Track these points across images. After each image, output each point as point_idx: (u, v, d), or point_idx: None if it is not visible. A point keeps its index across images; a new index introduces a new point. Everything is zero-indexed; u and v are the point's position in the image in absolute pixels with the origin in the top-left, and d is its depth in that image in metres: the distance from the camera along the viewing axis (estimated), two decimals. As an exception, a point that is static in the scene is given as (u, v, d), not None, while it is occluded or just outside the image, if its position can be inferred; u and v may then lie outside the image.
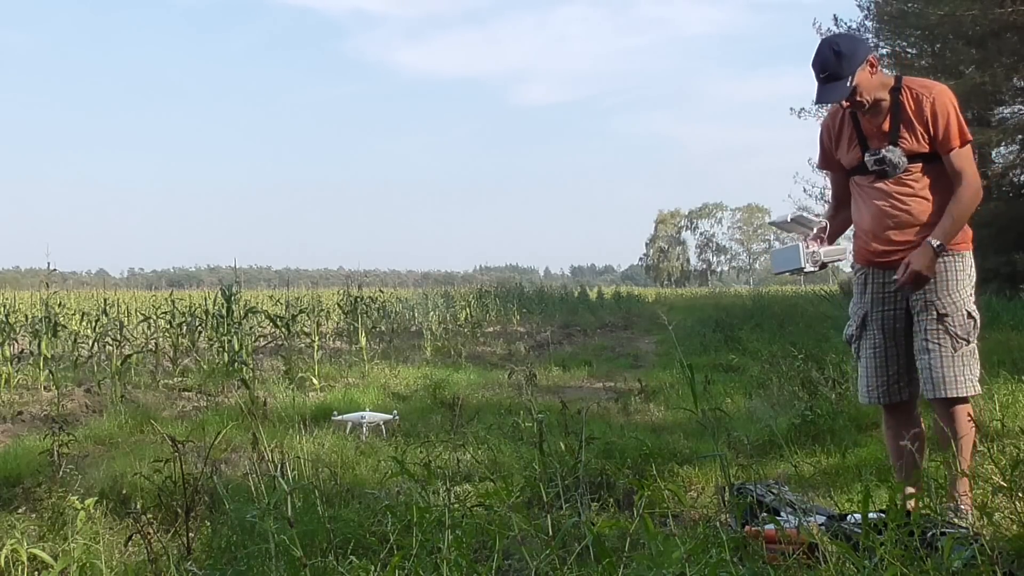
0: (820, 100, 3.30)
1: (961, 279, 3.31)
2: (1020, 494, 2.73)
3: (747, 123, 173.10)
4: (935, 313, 3.27)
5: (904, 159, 3.29)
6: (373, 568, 2.36)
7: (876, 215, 3.37)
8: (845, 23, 22.95)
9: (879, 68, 3.32)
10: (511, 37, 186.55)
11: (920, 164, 3.30)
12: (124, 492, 4.02)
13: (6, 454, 5.03)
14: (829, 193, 3.69)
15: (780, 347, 9.03)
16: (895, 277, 3.29)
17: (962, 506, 3.12)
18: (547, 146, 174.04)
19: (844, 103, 3.31)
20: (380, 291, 16.42)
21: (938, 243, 3.21)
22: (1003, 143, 20.21)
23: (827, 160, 3.57)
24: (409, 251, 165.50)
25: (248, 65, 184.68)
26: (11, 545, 2.88)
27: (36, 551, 2.94)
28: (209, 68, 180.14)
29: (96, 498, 3.30)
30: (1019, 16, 16.73)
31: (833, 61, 3.21)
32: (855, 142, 3.41)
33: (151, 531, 3.02)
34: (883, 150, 3.30)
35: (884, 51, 22.62)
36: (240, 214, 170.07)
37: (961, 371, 3.25)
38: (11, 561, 2.88)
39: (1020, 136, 19.99)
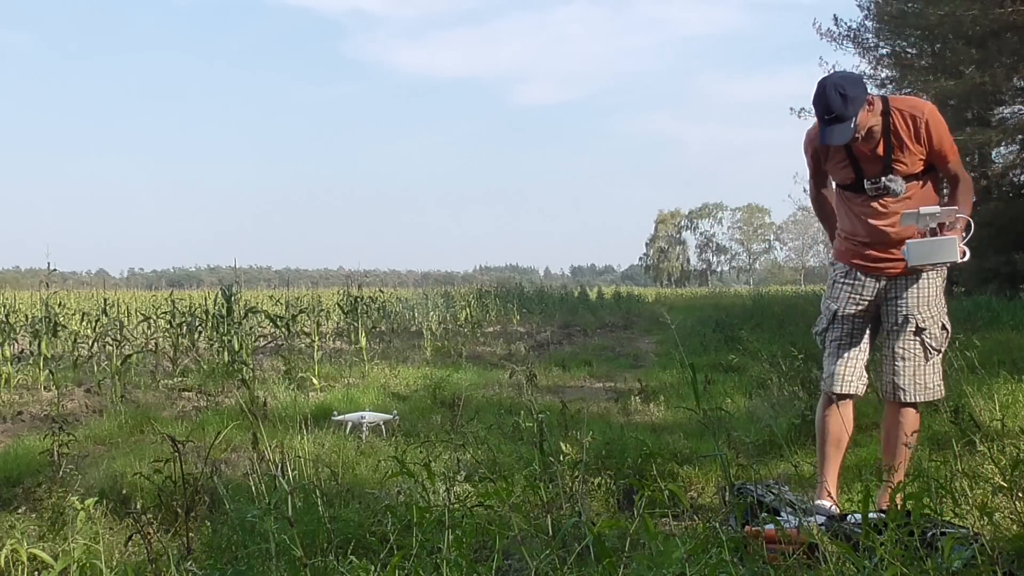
0: (825, 141, 3.29)
1: (939, 293, 3.47)
2: (1020, 494, 2.74)
3: (747, 123, 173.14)
4: (914, 326, 3.42)
5: (904, 185, 3.37)
6: (373, 568, 2.36)
7: (872, 230, 3.45)
8: (845, 23, 22.97)
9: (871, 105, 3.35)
10: (510, 37, 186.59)
11: (915, 183, 3.41)
12: (124, 492, 4.02)
13: (6, 454, 5.03)
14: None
15: (780, 347, 9.02)
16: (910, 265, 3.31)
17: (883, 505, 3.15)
18: (547, 146, 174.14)
19: (852, 140, 3.30)
20: (380, 291, 16.43)
21: (966, 212, 3.29)
22: (1003, 143, 20.21)
23: (818, 171, 3.63)
24: (409, 251, 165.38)
25: (247, 65, 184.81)
26: (11, 545, 2.88)
27: (36, 551, 2.94)
28: (208, 68, 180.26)
29: (96, 498, 3.29)
30: (1019, 16, 16.73)
31: (839, 104, 3.20)
32: (847, 163, 3.44)
33: (151, 531, 3.02)
34: (885, 179, 3.36)
35: (884, 51, 22.63)
36: (240, 214, 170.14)
37: (931, 379, 3.43)
38: (11, 561, 2.88)
39: (1020, 136, 19.99)
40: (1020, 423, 4.22)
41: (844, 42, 23.04)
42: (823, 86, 3.25)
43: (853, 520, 2.90)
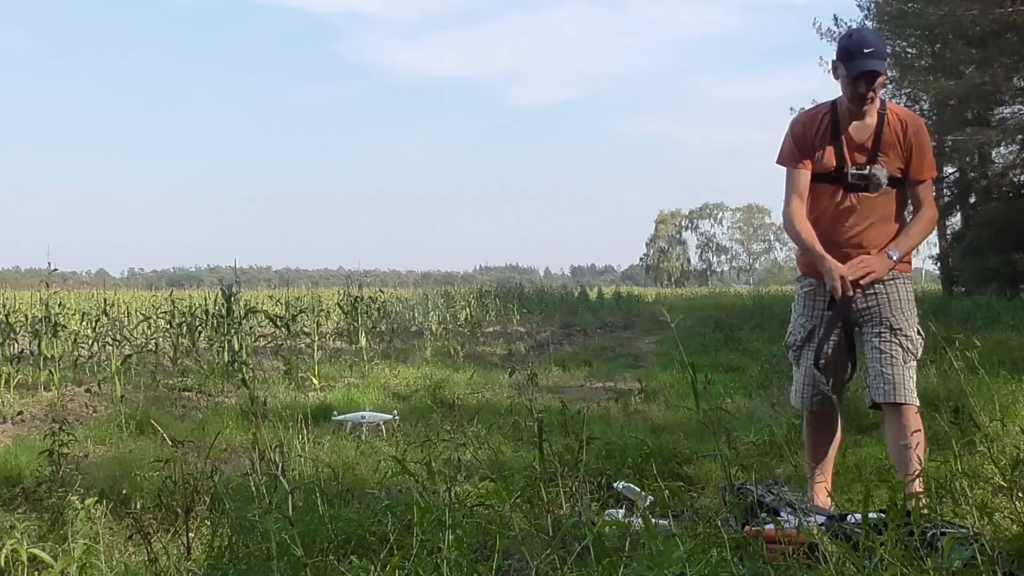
0: (867, 68, 3.26)
1: (911, 299, 3.48)
2: (1020, 494, 2.74)
3: (745, 123, 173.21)
4: (889, 326, 3.40)
5: (886, 179, 3.39)
6: (374, 568, 2.36)
7: (838, 231, 3.44)
8: (845, 23, 22.97)
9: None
10: (507, 38, 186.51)
11: (892, 189, 3.43)
12: (124, 492, 4.01)
13: (6, 454, 5.02)
14: (786, 185, 3.54)
15: (780, 347, 9.02)
16: (856, 281, 3.33)
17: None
18: (546, 146, 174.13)
19: (862, 88, 3.29)
20: (380, 291, 16.40)
21: (897, 256, 3.36)
22: (1003, 143, 20.21)
23: (804, 154, 3.49)
24: (409, 251, 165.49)
25: (245, 65, 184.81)
26: (11, 545, 2.88)
27: (36, 551, 2.94)
28: (206, 68, 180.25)
29: (96, 498, 3.29)
30: (1019, 16, 16.73)
31: (875, 40, 3.34)
32: (831, 150, 3.44)
33: (151, 531, 3.02)
34: (871, 167, 3.38)
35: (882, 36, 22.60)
36: (240, 214, 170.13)
37: (907, 382, 3.37)
38: (11, 561, 2.88)
39: (1020, 136, 19.99)
40: (1020, 423, 4.22)
41: (844, 42, 23.00)
42: (855, 29, 3.43)
43: (853, 520, 2.90)
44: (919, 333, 3.45)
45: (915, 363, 3.43)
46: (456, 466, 3.88)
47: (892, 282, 3.42)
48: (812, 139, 3.47)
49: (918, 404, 3.38)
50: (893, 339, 3.38)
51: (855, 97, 3.33)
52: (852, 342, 3.51)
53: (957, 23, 17.63)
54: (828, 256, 3.36)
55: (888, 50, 3.37)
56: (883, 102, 3.41)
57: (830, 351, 3.49)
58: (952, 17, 17.46)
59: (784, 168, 3.56)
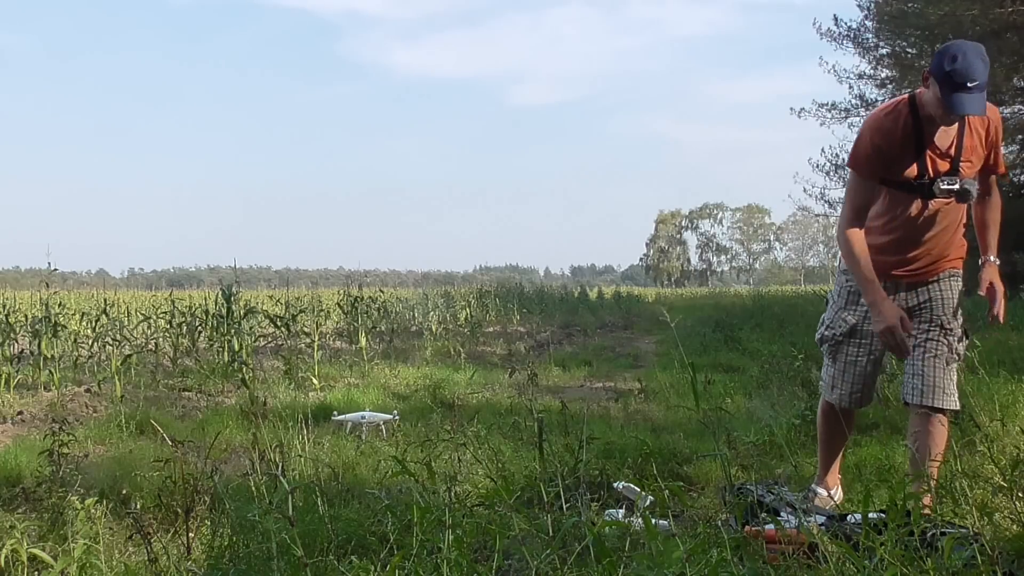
0: (968, 111, 2.99)
1: (960, 298, 3.38)
2: (1020, 494, 2.74)
3: (745, 123, 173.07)
4: (940, 327, 3.31)
5: (976, 190, 3.23)
6: (374, 568, 2.36)
7: (912, 239, 3.30)
8: (845, 23, 22.96)
9: None
10: (506, 38, 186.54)
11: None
12: (124, 492, 4.01)
13: (6, 454, 5.02)
14: (850, 196, 3.32)
15: (780, 347, 9.03)
16: (991, 305, 3.22)
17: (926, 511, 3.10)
18: (546, 146, 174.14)
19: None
20: (380, 291, 16.41)
21: (995, 259, 3.27)
22: (1003, 143, 20.19)
23: (883, 168, 3.22)
24: (409, 251, 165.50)
25: (244, 65, 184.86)
26: (11, 545, 2.88)
27: (36, 551, 2.94)
28: (206, 69, 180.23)
29: (96, 498, 3.29)
30: (1019, 16, 16.74)
31: (983, 71, 2.95)
32: (913, 157, 3.17)
33: (151, 531, 3.02)
34: (962, 182, 3.16)
35: (884, 51, 22.60)
36: (240, 214, 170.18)
37: (950, 385, 3.28)
38: (11, 561, 2.88)
39: (1020, 136, 19.98)
40: (1020, 423, 4.22)
41: (844, 42, 23.02)
42: (962, 50, 2.96)
43: (853, 520, 2.90)
44: (965, 333, 3.36)
45: (956, 366, 3.33)
46: (456, 466, 3.89)
47: (946, 279, 3.32)
48: (895, 148, 3.17)
49: (957, 407, 3.29)
50: (942, 339, 3.29)
51: (946, 119, 3.08)
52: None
53: (957, 23, 17.62)
54: (885, 297, 3.19)
55: (885, 49, 3.25)
56: None
57: (878, 350, 3.40)
58: (952, 17, 17.46)
59: (852, 171, 3.33)
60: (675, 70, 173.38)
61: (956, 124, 3.14)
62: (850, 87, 23.80)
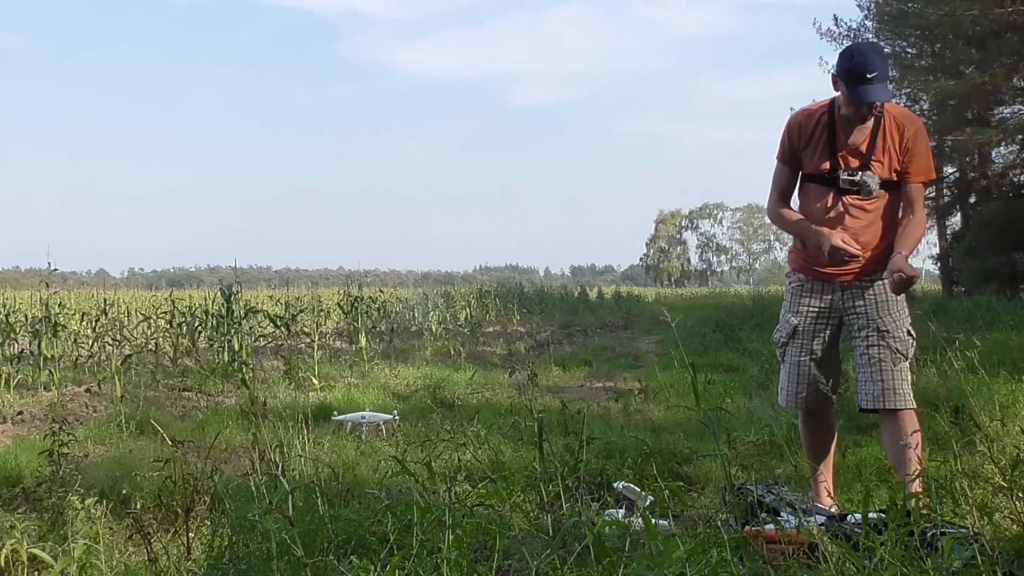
0: (872, 99, 3.21)
1: (900, 300, 3.41)
2: (1020, 494, 2.74)
3: (745, 123, 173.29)
4: (877, 329, 3.36)
5: (878, 184, 3.35)
6: (373, 568, 2.36)
7: (843, 233, 3.38)
8: (845, 23, 22.97)
9: None
10: (506, 38, 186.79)
11: (886, 193, 3.39)
12: (124, 492, 4.01)
13: (6, 454, 5.02)
14: (773, 181, 3.59)
15: (780, 347, 9.00)
16: (884, 285, 3.32)
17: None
18: (546, 146, 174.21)
19: (876, 108, 3.27)
20: (380, 291, 16.42)
21: (906, 254, 3.28)
22: (1003, 143, 20.21)
23: (790, 155, 3.51)
24: (409, 251, 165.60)
25: (243, 65, 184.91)
26: (11, 545, 2.88)
27: (36, 551, 2.94)
28: (206, 68, 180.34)
29: (96, 498, 3.29)
30: (1019, 16, 16.73)
31: (880, 63, 3.20)
32: (825, 152, 3.39)
33: (151, 531, 3.02)
34: (863, 174, 3.34)
35: (884, 51, 22.59)
36: (240, 214, 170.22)
37: (900, 385, 3.33)
38: (11, 561, 2.88)
39: (1020, 136, 19.98)
40: (1020, 423, 4.22)
41: (844, 42, 23.02)
42: (858, 49, 3.27)
43: (853, 520, 2.90)
44: (909, 333, 3.39)
45: (907, 363, 3.38)
46: (456, 466, 3.88)
47: (881, 282, 3.37)
48: (807, 139, 3.43)
49: (914, 406, 3.34)
50: (881, 342, 3.34)
51: (856, 116, 3.29)
52: (838, 340, 3.51)
53: (957, 23, 17.62)
54: (819, 229, 3.34)
55: (890, 62, 3.30)
56: (880, 103, 3.34)
57: (820, 349, 3.46)
58: (952, 17, 17.46)
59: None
60: (675, 70, 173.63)
61: (871, 124, 3.32)
62: (850, 87, 23.82)
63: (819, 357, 3.45)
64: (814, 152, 3.41)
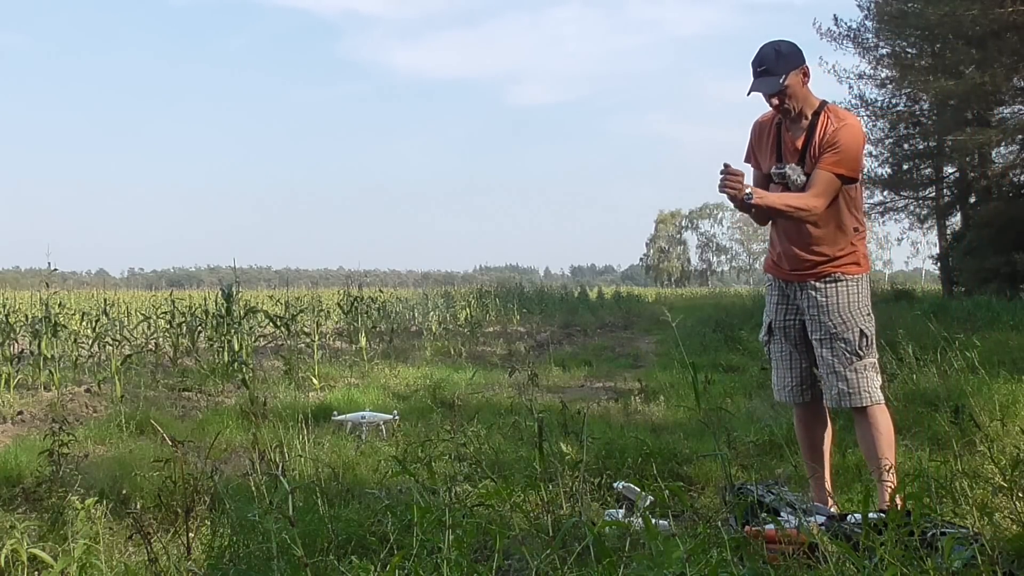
0: (752, 90, 3.36)
1: (852, 302, 3.43)
2: (1020, 494, 2.74)
3: (745, 123, 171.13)
4: (827, 332, 3.42)
5: (803, 178, 3.39)
6: (374, 568, 2.36)
7: (784, 231, 3.52)
8: (845, 23, 22.96)
9: (809, 82, 3.40)
10: (506, 38, 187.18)
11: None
12: (124, 492, 4.01)
13: (6, 454, 5.02)
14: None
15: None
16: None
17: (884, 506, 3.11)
18: (546, 146, 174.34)
19: (773, 100, 3.37)
20: (380, 291, 16.44)
21: (752, 197, 3.27)
22: (1003, 143, 20.20)
23: (752, 156, 3.65)
24: (409, 251, 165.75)
25: (243, 65, 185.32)
26: (11, 545, 2.88)
27: (36, 551, 2.94)
28: (206, 69, 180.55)
29: (96, 498, 3.29)
30: (1019, 16, 16.74)
31: (771, 57, 3.33)
32: (773, 151, 3.52)
33: (151, 531, 3.02)
34: (787, 167, 3.43)
35: (884, 51, 22.61)
36: (240, 214, 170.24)
37: (857, 383, 3.38)
38: (11, 561, 2.88)
39: (1020, 136, 19.97)
40: (1020, 423, 4.22)
41: (844, 42, 23.05)
42: (763, 45, 3.38)
43: (853, 520, 2.90)
44: (863, 333, 3.41)
45: (867, 361, 3.40)
46: (456, 466, 3.88)
47: (830, 286, 3.42)
48: (762, 140, 3.58)
49: (879, 401, 3.40)
50: (836, 344, 3.40)
51: (786, 116, 3.42)
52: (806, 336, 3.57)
53: (957, 23, 17.62)
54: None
55: (793, 61, 3.31)
56: (823, 103, 3.42)
57: (795, 343, 3.57)
58: (952, 17, 17.46)
59: None
60: (674, 70, 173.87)
61: (806, 123, 3.40)
62: (850, 87, 23.92)
63: (795, 351, 3.58)
64: (766, 152, 3.57)
